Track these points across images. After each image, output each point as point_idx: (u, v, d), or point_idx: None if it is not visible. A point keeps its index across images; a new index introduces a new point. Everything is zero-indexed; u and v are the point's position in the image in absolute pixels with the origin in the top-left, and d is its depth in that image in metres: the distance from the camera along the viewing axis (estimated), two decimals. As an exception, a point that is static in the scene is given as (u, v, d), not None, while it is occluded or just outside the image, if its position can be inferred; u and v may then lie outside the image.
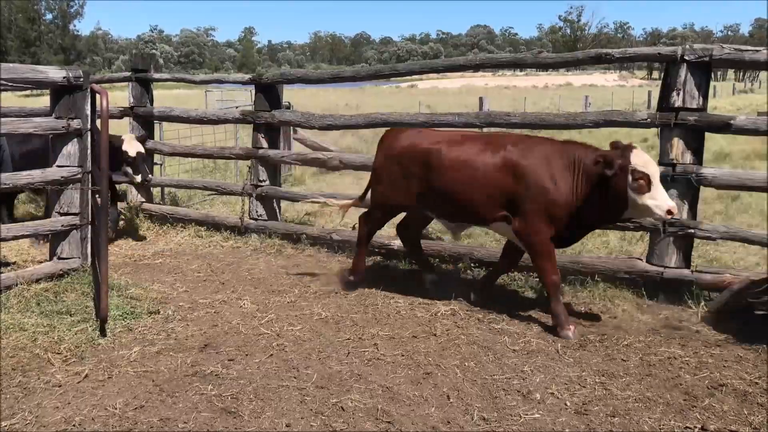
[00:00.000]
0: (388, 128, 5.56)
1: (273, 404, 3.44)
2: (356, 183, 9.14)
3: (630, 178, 4.16)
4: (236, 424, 3.24)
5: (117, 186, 7.17)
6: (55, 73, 5.10)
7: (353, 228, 6.58)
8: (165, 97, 24.22)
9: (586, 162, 4.36)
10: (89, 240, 5.39)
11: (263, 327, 4.50)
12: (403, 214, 5.38)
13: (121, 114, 7.96)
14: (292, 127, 10.00)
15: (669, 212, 4.13)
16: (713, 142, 13.05)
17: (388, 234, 6.62)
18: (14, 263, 5.68)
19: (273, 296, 5.16)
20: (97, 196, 4.93)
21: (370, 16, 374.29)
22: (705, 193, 6.66)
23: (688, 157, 4.93)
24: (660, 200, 4.15)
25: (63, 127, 5.16)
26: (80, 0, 74.07)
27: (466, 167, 4.66)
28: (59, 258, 5.33)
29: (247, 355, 4.04)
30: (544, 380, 3.73)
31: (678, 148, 4.93)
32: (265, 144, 6.90)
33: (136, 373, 3.76)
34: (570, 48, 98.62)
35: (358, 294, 5.20)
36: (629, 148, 4.28)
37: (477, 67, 6.08)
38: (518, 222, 4.52)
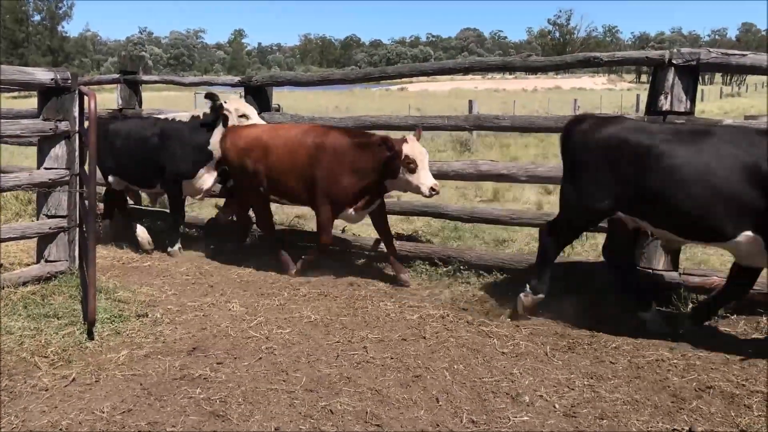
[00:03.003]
0: None
1: (262, 407, 3.42)
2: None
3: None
4: (225, 428, 3.23)
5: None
6: (42, 74, 5.06)
7: (342, 231, 6.58)
8: (154, 98, 24.12)
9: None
10: (77, 243, 5.35)
11: (252, 330, 4.48)
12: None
13: (110, 116, 7.92)
14: (281, 130, 9.96)
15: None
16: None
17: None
18: (0, 266, 5.63)
19: (262, 299, 5.14)
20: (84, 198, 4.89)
21: (360, 19, 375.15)
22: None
23: (676, 161, 4.95)
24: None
25: (51, 129, 5.11)
26: (69, 1, 73.47)
27: None
28: (47, 261, 5.28)
29: (235, 358, 4.02)
30: (533, 383, 3.74)
31: (666, 151, 4.95)
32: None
33: (124, 377, 3.74)
34: (559, 51, 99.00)
35: (348, 297, 5.20)
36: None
37: (466, 70, 6.13)
38: None
